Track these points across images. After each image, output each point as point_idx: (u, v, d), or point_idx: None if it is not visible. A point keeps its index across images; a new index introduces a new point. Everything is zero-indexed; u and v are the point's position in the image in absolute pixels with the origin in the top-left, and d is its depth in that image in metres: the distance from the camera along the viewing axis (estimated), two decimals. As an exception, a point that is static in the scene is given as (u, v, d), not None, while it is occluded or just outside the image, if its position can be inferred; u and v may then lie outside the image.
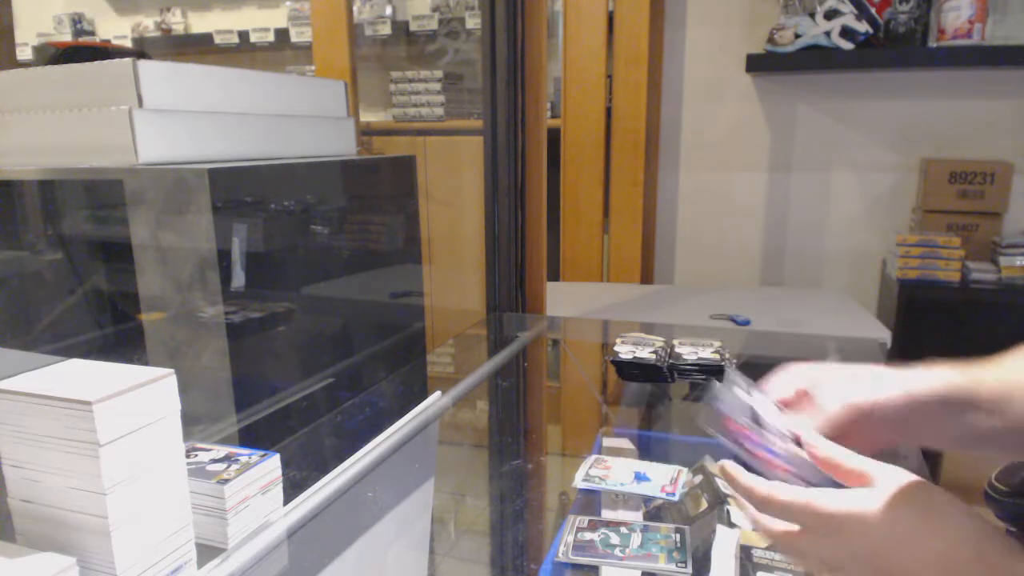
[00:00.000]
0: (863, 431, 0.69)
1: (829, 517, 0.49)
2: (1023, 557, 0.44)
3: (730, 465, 0.57)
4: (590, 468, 0.83)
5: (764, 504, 0.53)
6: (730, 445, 0.66)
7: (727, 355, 1.14)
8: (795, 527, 0.52)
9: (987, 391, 0.63)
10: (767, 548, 0.66)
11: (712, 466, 0.81)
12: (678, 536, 0.70)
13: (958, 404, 0.64)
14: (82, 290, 1.06)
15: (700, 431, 0.78)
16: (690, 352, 1.13)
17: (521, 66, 1.55)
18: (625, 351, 1.14)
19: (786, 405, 0.71)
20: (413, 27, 2.92)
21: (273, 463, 0.72)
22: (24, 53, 2.72)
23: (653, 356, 1.12)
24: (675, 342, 1.19)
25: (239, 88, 1.06)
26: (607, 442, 0.93)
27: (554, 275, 2.42)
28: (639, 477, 0.81)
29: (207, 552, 0.66)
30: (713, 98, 2.49)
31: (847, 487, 0.53)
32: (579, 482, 0.79)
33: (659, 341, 1.19)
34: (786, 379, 0.72)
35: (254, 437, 0.96)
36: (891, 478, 0.50)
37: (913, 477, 0.50)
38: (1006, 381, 0.63)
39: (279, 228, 1.03)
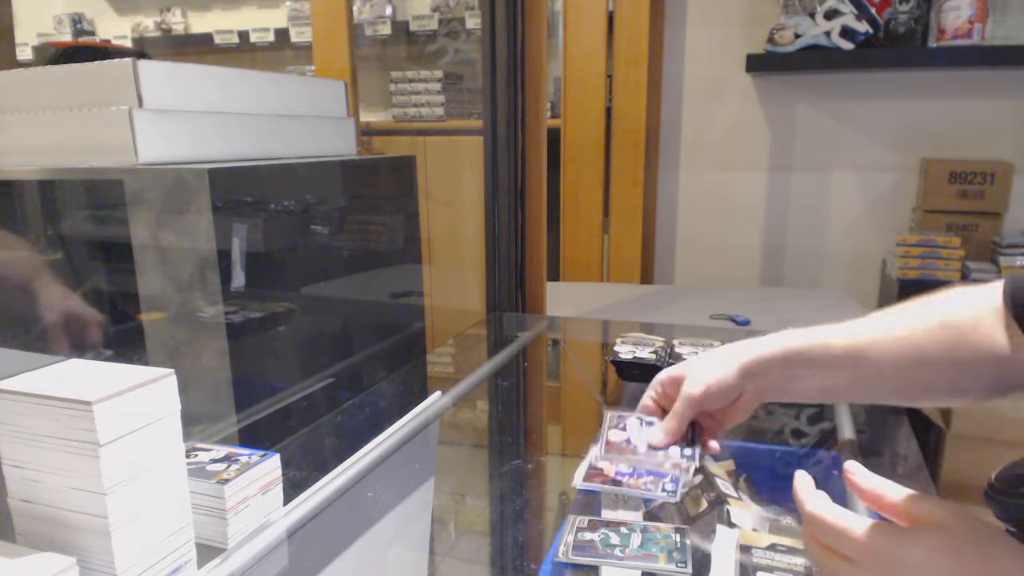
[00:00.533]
0: (713, 413, 0.76)
1: (880, 552, 0.47)
2: None
3: (800, 475, 0.56)
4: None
5: (812, 522, 0.52)
6: (610, 489, 0.75)
7: None
8: (840, 550, 0.50)
9: (832, 354, 0.66)
10: (767, 548, 0.66)
11: (712, 466, 0.81)
12: (678, 536, 0.70)
13: (800, 364, 0.69)
14: (82, 290, 1.06)
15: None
16: (690, 352, 1.13)
17: (521, 66, 1.55)
18: (625, 351, 1.14)
19: (662, 410, 0.78)
20: (413, 27, 2.92)
21: (273, 463, 0.72)
22: (24, 53, 2.72)
23: (653, 356, 1.12)
24: (675, 342, 1.19)
25: (239, 88, 1.06)
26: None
27: (554, 275, 2.42)
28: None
29: (207, 552, 0.66)
30: (713, 98, 2.49)
31: (888, 520, 0.51)
32: (579, 482, 0.79)
33: (659, 341, 1.19)
34: (652, 392, 0.80)
35: (254, 437, 0.96)
36: (943, 514, 0.48)
37: (965, 511, 0.48)
38: (857, 342, 0.66)
39: (279, 228, 1.03)
